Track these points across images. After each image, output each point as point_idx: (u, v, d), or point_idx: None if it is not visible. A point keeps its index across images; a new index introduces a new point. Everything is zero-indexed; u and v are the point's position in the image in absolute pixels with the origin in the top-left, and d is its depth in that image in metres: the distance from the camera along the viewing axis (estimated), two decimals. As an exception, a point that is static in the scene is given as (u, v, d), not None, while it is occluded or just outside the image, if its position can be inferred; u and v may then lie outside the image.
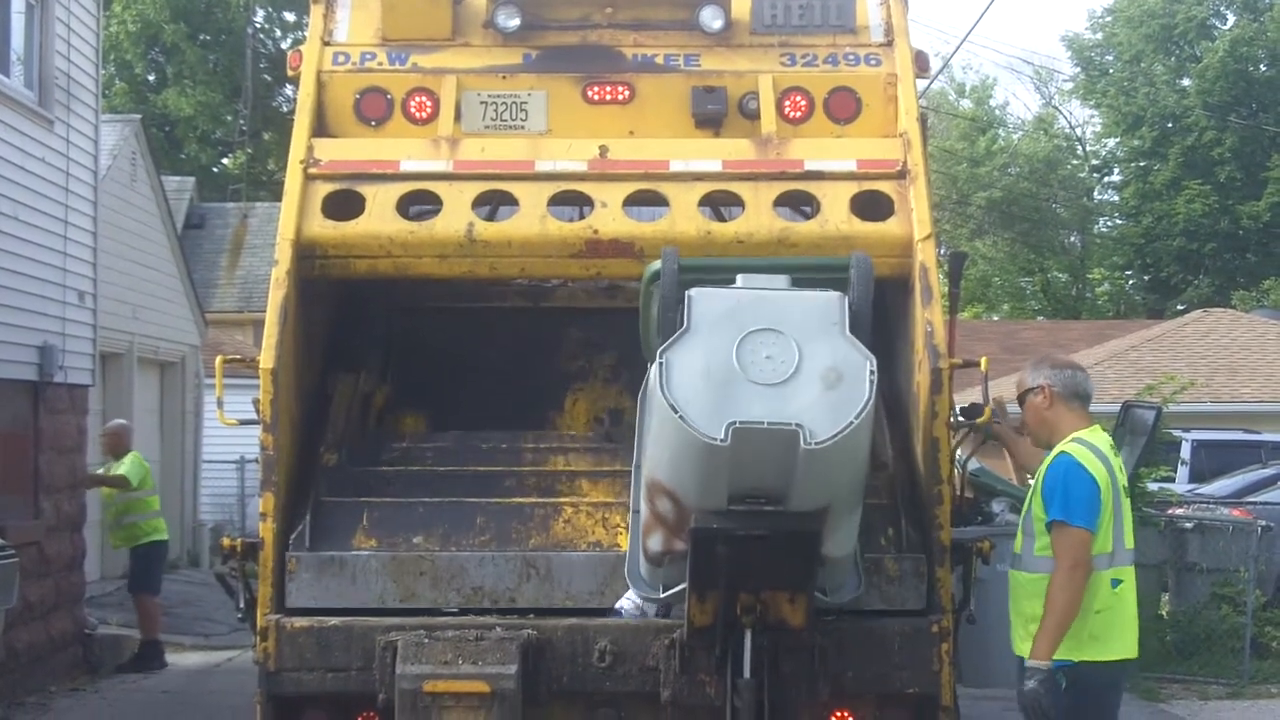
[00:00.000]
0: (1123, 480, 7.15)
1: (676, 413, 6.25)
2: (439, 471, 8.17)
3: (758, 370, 6.34)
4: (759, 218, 8.17)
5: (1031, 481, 7.32)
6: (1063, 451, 7.02)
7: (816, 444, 6.19)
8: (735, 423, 6.19)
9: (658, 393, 6.36)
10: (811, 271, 7.18)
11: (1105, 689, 7.06)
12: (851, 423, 6.27)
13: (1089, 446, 7.04)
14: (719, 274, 6.93)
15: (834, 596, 7.18)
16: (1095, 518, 6.89)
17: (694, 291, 6.58)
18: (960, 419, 8.02)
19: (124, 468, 16.03)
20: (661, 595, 7.16)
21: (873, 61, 8.76)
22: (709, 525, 6.48)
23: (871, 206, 8.24)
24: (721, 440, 6.17)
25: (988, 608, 8.24)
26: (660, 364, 6.37)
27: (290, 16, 50.99)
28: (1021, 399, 7.36)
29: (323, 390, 8.46)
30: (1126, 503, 7.17)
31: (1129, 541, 7.11)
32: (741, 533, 6.46)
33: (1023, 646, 7.06)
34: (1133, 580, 7.12)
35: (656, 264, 7.02)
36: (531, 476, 8.11)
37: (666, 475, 6.62)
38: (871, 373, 6.39)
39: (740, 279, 6.77)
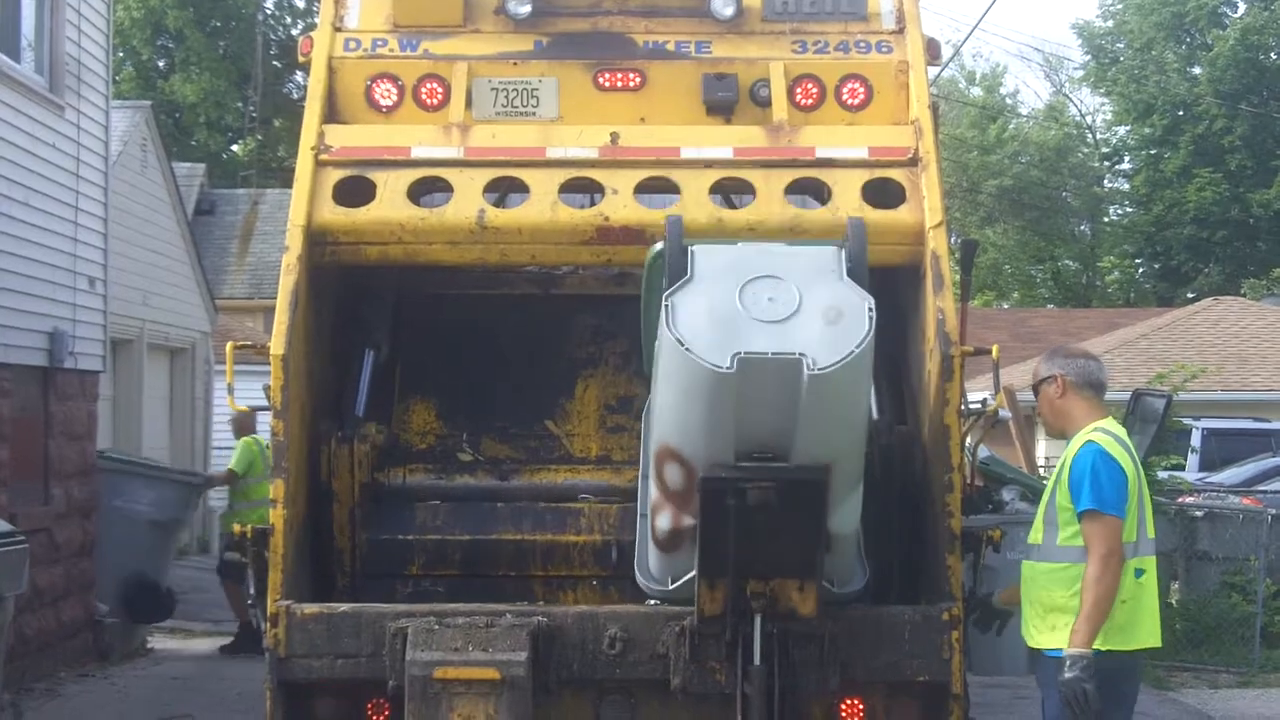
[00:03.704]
0: (1142, 469, 7.16)
1: (683, 345, 6.36)
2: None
3: (760, 310, 6.49)
4: (770, 205, 8.17)
5: (1044, 471, 7.34)
6: (1089, 440, 7.01)
7: (820, 369, 6.30)
8: (740, 353, 6.32)
9: (664, 331, 6.48)
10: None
11: (1125, 679, 7.06)
12: (853, 351, 6.39)
13: (1113, 435, 7.05)
14: None
15: (841, 589, 7.19)
16: (1125, 505, 6.90)
17: (696, 247, 6.74)
18: (970, 407, 8.03)
19: (234, 455, 16.23)
20: (670, 587, 7.17)
21: (884, 49, 8.75)
22: (717, 475, 6.55)
23: (883, 194, 8.23)
24: (728, 368, 6.29)
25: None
26: (666, 306, 6.50)
27: (300, 3, 51.05)
28: (1036, 390, 7.37)
29: (334, 375, 8.47)
30: (1147, 492, 7.18)
31: (1151, 531, 7.12)
32: (748, 484, 6.52)
33: (1039, 638, 7.05)
34: (1154, 570, 7.12)
35: (658, 245, 7.09)
36: None
37: (674, 433, 6.69)
38: (870, 310, 6.52)
39: (740, 245, 6.97)
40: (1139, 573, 7.01)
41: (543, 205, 8.17)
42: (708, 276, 6.62)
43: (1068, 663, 6.83)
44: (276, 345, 7.69)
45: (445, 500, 8.45)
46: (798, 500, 6.60)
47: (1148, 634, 7.08)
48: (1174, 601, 16.13)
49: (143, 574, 15.56)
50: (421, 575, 8.31)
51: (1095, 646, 6.84)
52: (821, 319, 6.47)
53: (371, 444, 8.26)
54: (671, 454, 6.72)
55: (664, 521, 6.94)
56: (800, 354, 6.33)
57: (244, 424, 16.49)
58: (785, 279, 6.58)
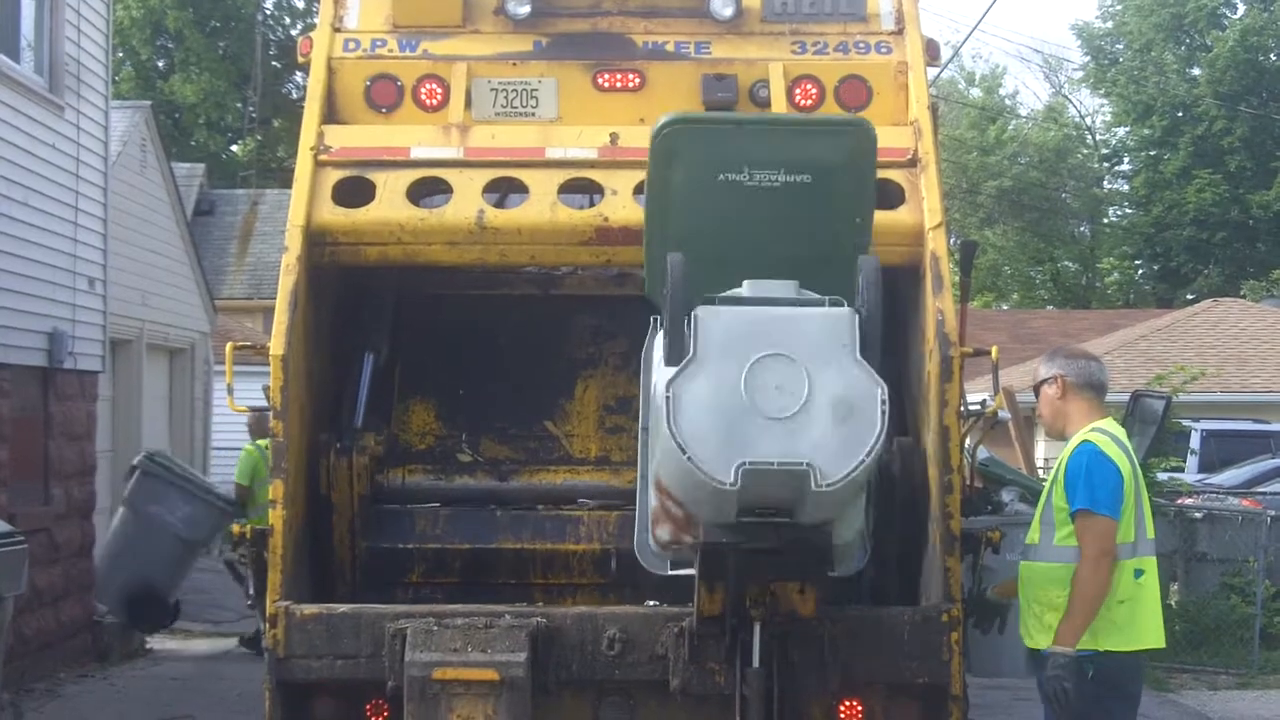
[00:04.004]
0: (1140, 470, 7.16)
1: (685, 454, 6.22)
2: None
3: (767, 403, 6.26)
4: (769, 206, 8.15)
5: (1043, 472, 7.34)
6: (1085, 440, 7.02)
7: (828, 485, 6.18)
8: (745, 463, 6.17)
9: (664, 428, 6.31)
10: (814, 126, 7.25)
11: (1129, 679, 7.07)
12: (863, 461, 6.23)
13: (1110, 436, 7.05)
14: (715, 127, 7.05)
15: (841, 569, 7.16)
16: (1119, 506, 6.91)
17: (701, 312, 6.42)
18: (969, 408, 8.02)
19: (237, 468, 16.25)
20: (669, 571, 7.15)
21: (883, 50, 8.74)
22: (717, 540, 6.50)
23: (882, 195, 8.18)
24: (731, 484, 6.18)
25: (997, 597, 8.23)
26: (667, 397, 6.30)
27: (299, 3, 51.05)
28: (1036, 391, 7.38)
29: (333, 378, 8.47)
30: (1145, 492, 7.18)
31: (1150, 531, 7.12)
32: (750, 546, 6.48)
33: (1037, 638, 7.06)
34: (1155, 570, 7.12)
35: (665, 119, 7.01)
36: None
37: (673, 489, 6.63)
38: (883, 403, 6.30)
39: (747, 285, 6.68)
40: (1138, 573, 7.01)
41: (542, 206, 8.17)
42: (712, 354, 6.34)
43: (1050, 661, 6.87)
44: (276, 346, 7.68)
45: (444, 502, 8.45)
46: (802, 551, 6.61)
47: (1150, 634, 7.08)
48: (1173, 603, 16.14)
49: (154, 583, 15.51)
50: (421, 583, 8.31)
51: (1098, 647, 6.86)
52: (831, 414, 6.25)
53: (370, 455, 8.26)
54: (669, 495, 6.67)
55: (664, 534, 6.89)
56: (807, 464, 6.17)
57: (260, 426, 16.49)
58: (794, 358, 6.31)
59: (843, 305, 6.51)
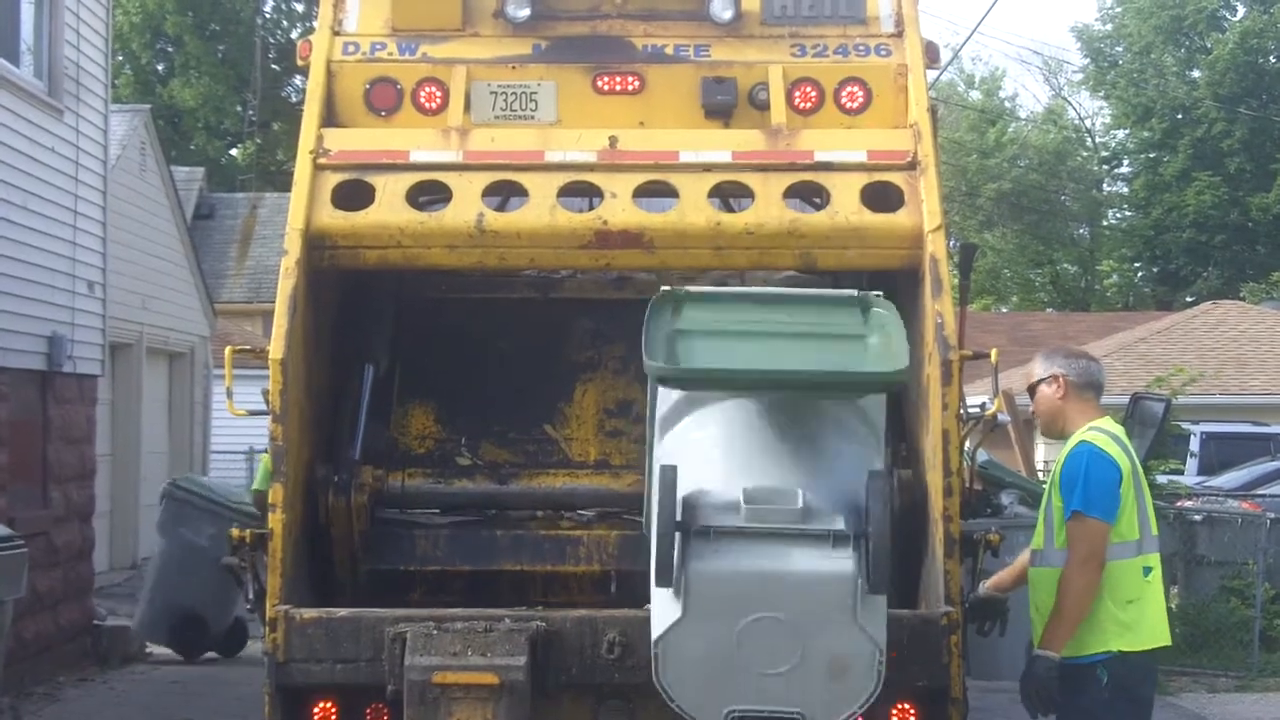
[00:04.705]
0: (1140, 468, 7.14)
1: (672, 702, 6.25)
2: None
3: (759, 659, 6.15)
4: (769, 209, 8.15)
5: (1043, 475, 7.32)
6: (1083, 440, 6.98)
7: None
8: (734, 711, 6.18)
9: (654, 678, 6.27)
10: (822, 305, 7.01)
11: (1139, 681, 7.01)
12: (855, 712, 6.25)
13: (1108, 434, 7.01)
14: (720, 303, 6.93)
15: None
16: (1115, 508, 6.86)
17: (694, 570, 6.17)
18: (969, 411, 8.01)
19: (257, 475, 16.24)
20: None
21: (883, 52, 8.73)
22: None
23: (881, 197, 8.21)
24: None
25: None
26: (655, 654, 6.25)
27: (299, 6, 51.13)
28: (1032, 390, 7.34)
29: (332, 385, 8.47)
30: (1147, 490, 7.14)
31: (1154, 528, 7.07)
32: None
33: None
34: (1160, 568, 7.08)
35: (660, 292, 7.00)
36: None
37: None
38: (880, 662, 6.22)
39: (744, 504, 6.24)
40: (1146, 570, 6.95)
41: (541, 209, 8.16)
42: (702, 613, 6.16)
43: (1034, 661, 6.87)
44: (275, 349, 7.67)
45: (443, 507, 8.45)
46: None
47: (1158, 633, 7.02)
48: (1173, 606, 16.13)
49: (190, 607, 15.41)
50: (423, 604, 8.30)
51: (1110, 648, 6.83)
52: (825, 671, 6.17)
53: (370, 491, 8.27)
54: None
55: None
56: (798, 713, 6.19)
57: None
58: (789, 621, 6.13)
59: (847, 544, 6.19)
